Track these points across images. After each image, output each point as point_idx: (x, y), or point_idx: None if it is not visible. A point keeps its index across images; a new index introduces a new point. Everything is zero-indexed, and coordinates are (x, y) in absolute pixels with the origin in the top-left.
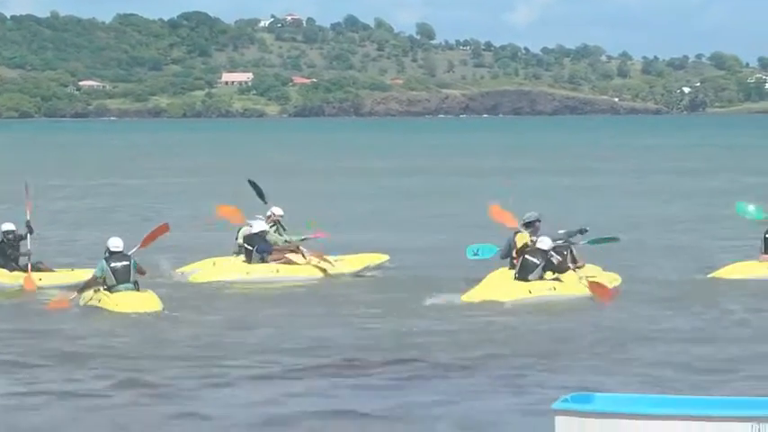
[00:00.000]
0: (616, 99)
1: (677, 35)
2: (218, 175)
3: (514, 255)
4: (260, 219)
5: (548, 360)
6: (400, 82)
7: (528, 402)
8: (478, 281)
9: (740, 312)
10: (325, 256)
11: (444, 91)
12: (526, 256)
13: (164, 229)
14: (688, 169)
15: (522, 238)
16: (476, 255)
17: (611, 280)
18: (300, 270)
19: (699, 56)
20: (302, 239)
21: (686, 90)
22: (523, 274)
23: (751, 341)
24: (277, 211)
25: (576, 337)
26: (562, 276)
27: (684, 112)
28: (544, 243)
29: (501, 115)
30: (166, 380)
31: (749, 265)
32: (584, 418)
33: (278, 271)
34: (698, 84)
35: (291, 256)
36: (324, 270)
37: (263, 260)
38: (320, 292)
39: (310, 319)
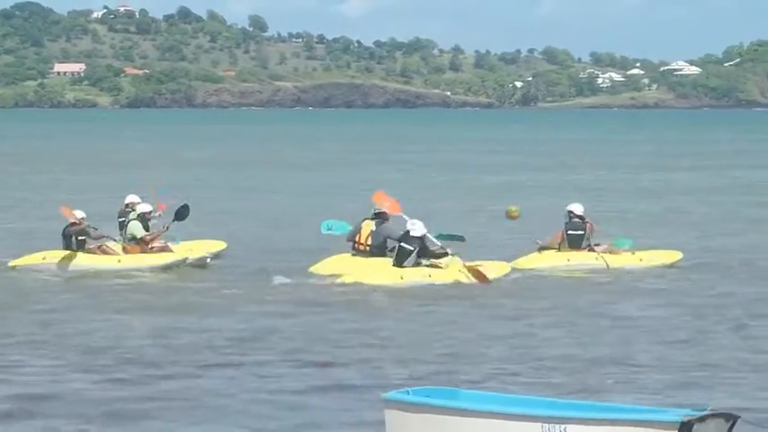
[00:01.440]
0: (448, 93)
1: (510, 29)
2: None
3: (357, 240)
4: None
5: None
6: (233, 74)
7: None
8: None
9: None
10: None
11: (276, 83)
12: (401, 244)
13: None
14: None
15: (368, 225)
16: (329, 230)
17: (500, 268)
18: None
19: (531, 50)
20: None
21: (518, 84)
22: (399, 260)
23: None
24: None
25: (428, 328)
26: (443, 263)
27: (516, 107)
28: (417, 230)
29: (333, 108)
30: None
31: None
32: (405, 412)
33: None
34: (530, 78)
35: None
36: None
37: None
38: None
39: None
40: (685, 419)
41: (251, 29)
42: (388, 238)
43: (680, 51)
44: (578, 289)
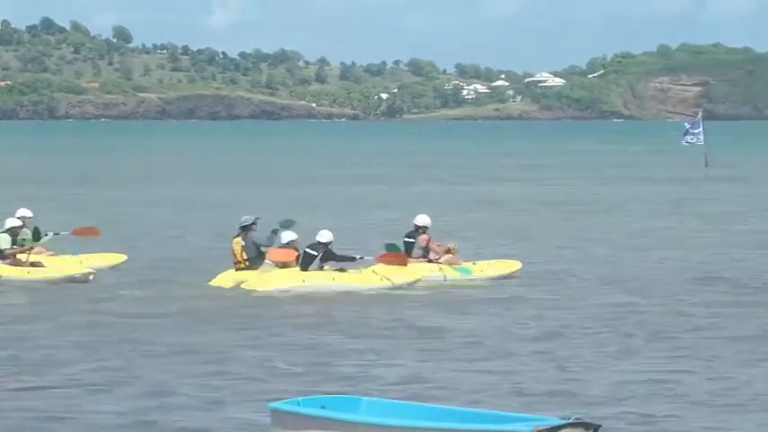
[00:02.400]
0: (313, 104)
1: (375, 41)
2: None
3: (235, 260)
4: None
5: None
6: (96, 85)
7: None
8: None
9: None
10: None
11: (141, 95)
12: (306, 249)
13: None
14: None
15: (238, 242)
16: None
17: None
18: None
19: (397, 62)
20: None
21: (384, 96)
22: (304, 265)
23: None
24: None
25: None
26: (352, 266)
27: (382, 118)
28: (323, 236)
29: (197, 120)
30: None
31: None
32: (289, 420)
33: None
34: (395, 90)
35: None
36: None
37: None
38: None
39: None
40: (534, 429)
41: (115, 40)
42: (259, 244)
43: (544, 63)
44: (414, 301)
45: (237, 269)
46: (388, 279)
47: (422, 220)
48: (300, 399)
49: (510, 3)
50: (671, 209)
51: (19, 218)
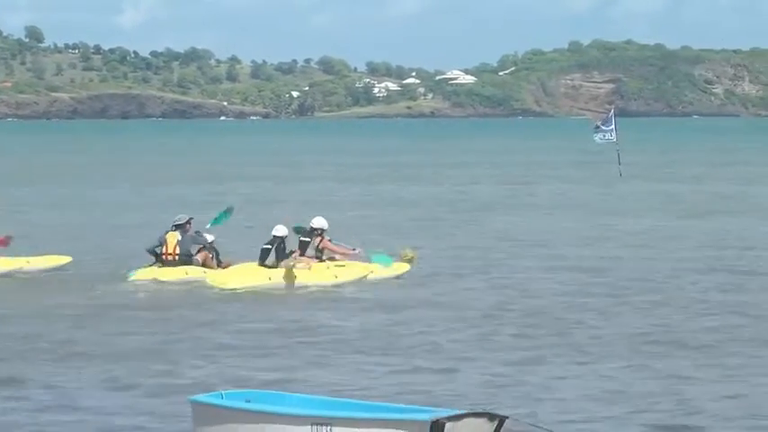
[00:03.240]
0: (225, 103)
1: (286, 39)
2: None
3: (164, 251)
4: None
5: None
6: (9, 85)
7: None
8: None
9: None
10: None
11: (53, 94)
12: (264, 246)
13: None
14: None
15: (173, 236)
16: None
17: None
18: None
19: (308, 60)
20: None
21: (295, 94)
22: (262, 261)
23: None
24: None
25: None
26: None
27: (293, 117)
28: (279, 230)
29: (108, 119)
30: None
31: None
32: (207, 413)
33: None
34: (306, 88)
35: None
36: None
37: None
38: None
39: None
40: (434, 419)
41: (27, 39)
42: (195, 244)
43: (455, 61)
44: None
45: (164, 263)
46: (336, 276)
47: (317, 222)
48: (224, 392)
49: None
50: (579, 206)
51: None
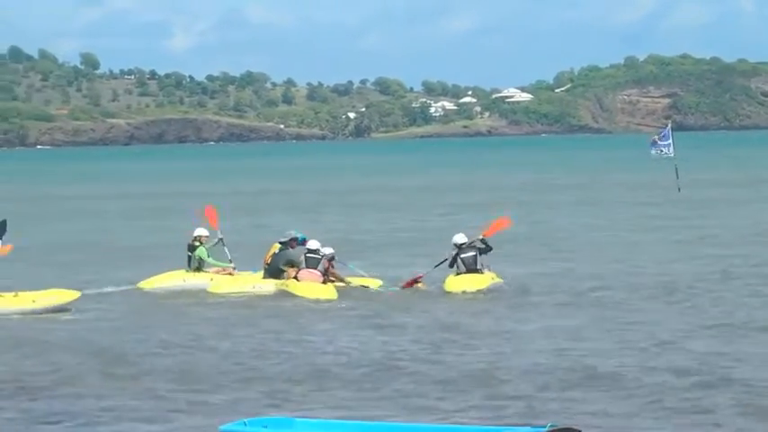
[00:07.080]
0: (281, 126)
1: (341, 61)
2: None
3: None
4: None
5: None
6: (65, 112)
7: None
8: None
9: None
10: None
11: (109, 120)
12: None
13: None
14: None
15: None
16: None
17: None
18: None
19: (363, 81)
20: None
21: (351, 116)
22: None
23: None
24: None
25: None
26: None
27: (350, 138)
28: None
29: (165, 144)
30: None
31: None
32: None
33: None
34: (363, 109)
35: None
36: None
37: None
38: None
39: None
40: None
41: (82, 66)
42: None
43: (511, 79)
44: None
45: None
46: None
47: (314, 244)
48: (247, 420)
49: (472, 18)
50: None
51: None
